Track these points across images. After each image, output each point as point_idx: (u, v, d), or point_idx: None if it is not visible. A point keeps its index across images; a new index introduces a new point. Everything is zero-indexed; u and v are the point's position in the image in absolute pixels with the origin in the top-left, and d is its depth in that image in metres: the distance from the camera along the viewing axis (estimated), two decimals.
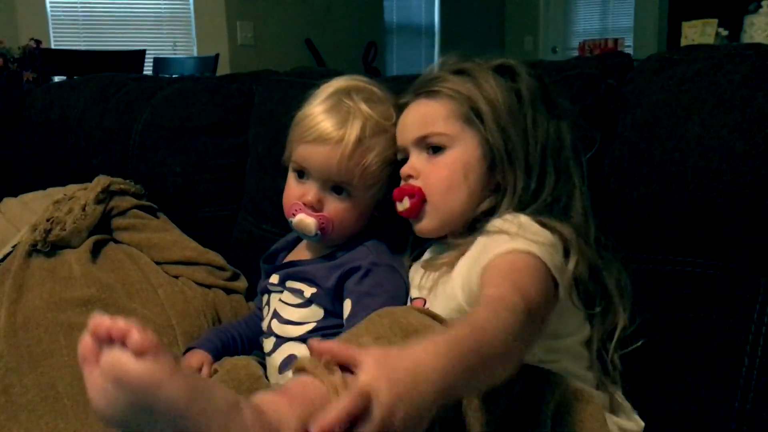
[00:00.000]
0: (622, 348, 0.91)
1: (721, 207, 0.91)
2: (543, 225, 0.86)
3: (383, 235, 1.06)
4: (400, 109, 1.02)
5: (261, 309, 1.13)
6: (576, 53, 4.89)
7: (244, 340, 1.14)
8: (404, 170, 0.96)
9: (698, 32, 3.35)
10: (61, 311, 1.12)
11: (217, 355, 1.07)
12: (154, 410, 0.49)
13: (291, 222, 1.02)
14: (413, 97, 0.99)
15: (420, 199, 0.93)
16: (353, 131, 0.98)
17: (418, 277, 0.99)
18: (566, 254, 0.85)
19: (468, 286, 0.84)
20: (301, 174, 1.03)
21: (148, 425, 0.51)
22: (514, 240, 0.82)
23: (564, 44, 5.95)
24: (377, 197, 1.04)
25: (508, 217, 0.88)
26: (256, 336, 1.11)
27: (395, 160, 1.02)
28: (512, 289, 0.71)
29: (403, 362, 0.54)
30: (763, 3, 3.14)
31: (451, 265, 0.91)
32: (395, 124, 1.02)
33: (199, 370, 1.03)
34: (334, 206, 1.01)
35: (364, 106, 1.00)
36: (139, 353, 0.49)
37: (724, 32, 3.28)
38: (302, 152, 1.01)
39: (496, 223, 0.87)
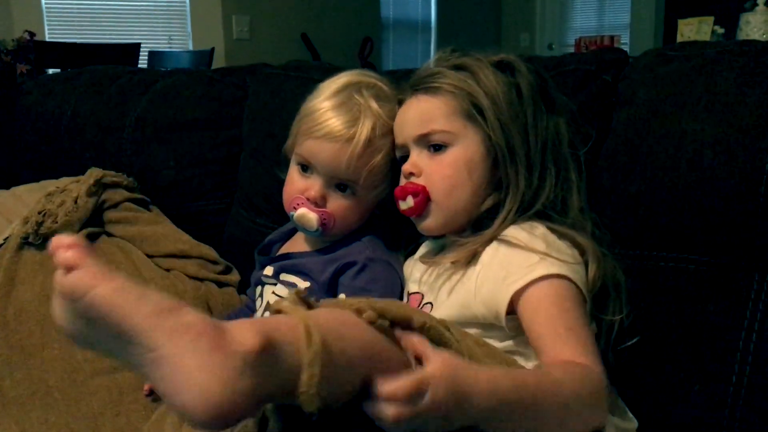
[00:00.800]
0: (615, 345, 0.91)
1: (714, 203, 0.91)
2: (561, 236, 0.86)
3: (379, 231, 1.06)
4: (399, 105, 1.01)
5: (254, 300, 1.12)
6: (572, 50, 4.89)
7: None
8: (406, 168, 0.95)
9: (694, 30, 3.35)
10: (52, 306, 1.11)
11: None
12: (91, 318, 0.52)
13: (292, 216, 1.01)
14: (411, 92, 0.98)
15: (424, 198, 0.92)
16: (364, 131, 0.97)
17: (417, 272, 0.98)
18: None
19: (494, 307, 0.83)
20: (306, 168, 1.02)
21: (96, 336, 0.54)
22: (545, 261, 0.82)
23: (560, 41, 5.95)
24: (380, 196, 1.03)
25: (525, 226, 0.88)
26: None
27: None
28: (584, 354, 0.76)
29: (466, 374, 0.61)
30: (759, 1, 3.14)
31: (460, 264, 0.90)
32: None
33: None
34: (338, 203, 1.00)
35: (374, 105, 0.99)
36: (69, 267, 0.53)
37: (720, 30, 3.28)
38: (309, 147, 1.00)
39: (516, 233, 0.86)
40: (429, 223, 0.94)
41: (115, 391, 1.04)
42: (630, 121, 1.01)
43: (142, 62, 3.64)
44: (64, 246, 0.54)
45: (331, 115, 0.98)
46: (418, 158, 0.94)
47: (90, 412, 1.02)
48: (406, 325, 0.66)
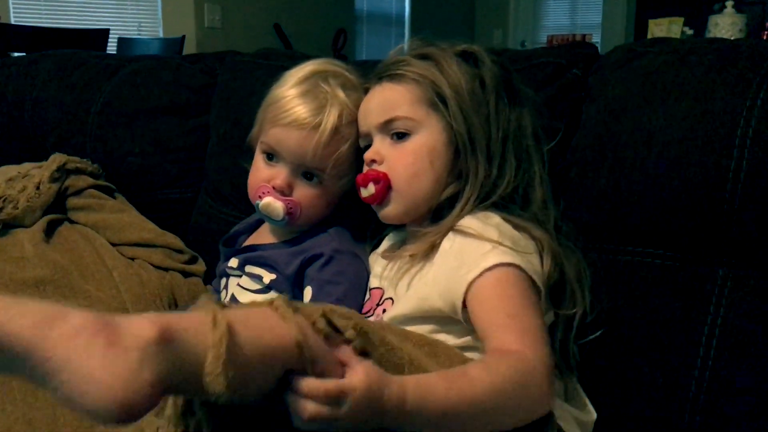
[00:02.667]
0: (579, 337, 0.91)
1: (681, 198, 0.92)
2: (516, 227, 0.86)
3: (346, 222, 1.05)
4: (365, 94, 1.00)
5: (218, 292, 1.11)
6: None
7: None
8: (368, 155, 0.94)
9: (664, 30, 3.40)
10: (12, 292, 1.09)
11: None
12: None
13: (257, 205, 1.00)
14: (376, 80, 0.97)
15: (385, 186, 0.92)
16: (330, 119, 0.96)
17: (378, 266, 0.98)
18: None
19: (450, 299, 0.82)
20: (271, 156, 1.01)
21: None
22: (497, 250, 0.81)
23: (533, 39, 5.99)
24: (347, 186, 1.02)
25: (480, 215, 0.87)
26: None
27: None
28: (524, 341, 0.75)
29: (383, 387, 0.63)
30: (727, 3, 3.19)
31: (418, 257, 0.89)
32: None
33: None
34: (304, 192, 1.00)
35: (341, 93, 0.98)
36: None
37: (690, 31, 3.33)
38: (275, 135, 0.99)
39: (470, 223, 0.86)
40: (389, 211, 0.94)
41: None
42: (599, 116, 1.02)
43: (111, 49, 3.58)
44: None
45: (297, 102, 0.97)
46: (380, 146, 0.94)
47: (48, 402, 1.00)
48: (339, 332, 0.65)
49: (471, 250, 0.83)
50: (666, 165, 0.93)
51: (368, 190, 0.93)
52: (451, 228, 0.88)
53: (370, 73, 1.01)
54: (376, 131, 0.95)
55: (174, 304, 1.20)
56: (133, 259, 1.23)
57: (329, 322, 0.64)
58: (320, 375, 0.60)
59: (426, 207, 0.93)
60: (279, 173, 0.99)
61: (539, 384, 0.73)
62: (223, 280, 1.09)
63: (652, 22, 3.50)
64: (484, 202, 0.90)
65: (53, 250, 1.15)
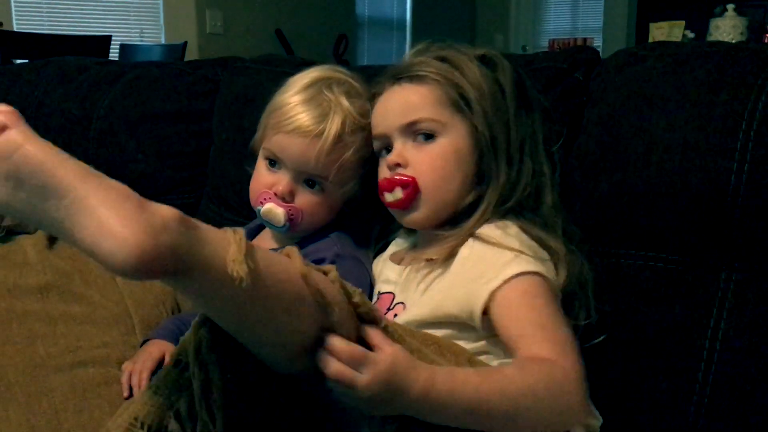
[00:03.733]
0: (582, 342, 0.91)
1: (683, 201, 0.92)
2: (532, 237, 0.86)
3: (347, 227, 1.05)
4: (373, 99, 0.99)
5: None
6: None
7: None
8: (392, 159, 0.92)
9: (665, 34, 3.39)
10: (15, 298, 1.09)
11: (176, 344, 1.05)
12: (20, 173, 0.55)
13: (258, 210, 1.00)
14: (391, 82, 0.96)
15: (414, 190, 0.90)
16: (333, 126, 0.96)
17: (388, 271, 0.97)
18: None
19: (468, 307, 0.82)
20: (273, 163, 1.01)
21: (20, 197, 0.56)
22: (519, 259, 0.81)
23: (534, 43, 5.98)
24: (349, 194, 1.02)
25: (499, 224, 0.87)
26: None
27: (370, 158, 1.00)
28: (555, 350, 0.76)
29: (407, 372, 0.66)
30: (728, 6, 3.19)
31: (437, 262, 0.88)
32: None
33: (161, 360, 1.01)
34: (306, 199, 0.99)
35: (344, 101, 0.98)
36: (1, 129, 0.56)
37: (691, 34, 3.33)
38: (278, 142, 0.99)
39: (491, 232, 0.86)
40: (416, 216, 0.92)
41: (78, 386, 1.02)
42: (601, 120, 1.02)
43: (113, 55, 3.59)
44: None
45: (300, 109, 0.97)
46: (403, 148, 0.92)
47: (51, 408, 1.00)
48: (371, 321, 0.69)
49: (492, 259, 0.83)
50: (668, 168, 0.93)
51: (394, 195, 0.91)
52: (471, 234, 0.87)
53: (376, 78, 1.00)
54: (397, 133, 0.93)
55: (177, 309, 1.20)
56: None
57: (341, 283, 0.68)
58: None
59: (450, 212, 0.92)
60: (281, 180, 0.99)
61: (573, 392, 0.73)
62: None
63: (653, 26, 3.50)
64: (501, 206, 0.89)
65: (56, 256, 1.15)
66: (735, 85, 0.91)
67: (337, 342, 0.64)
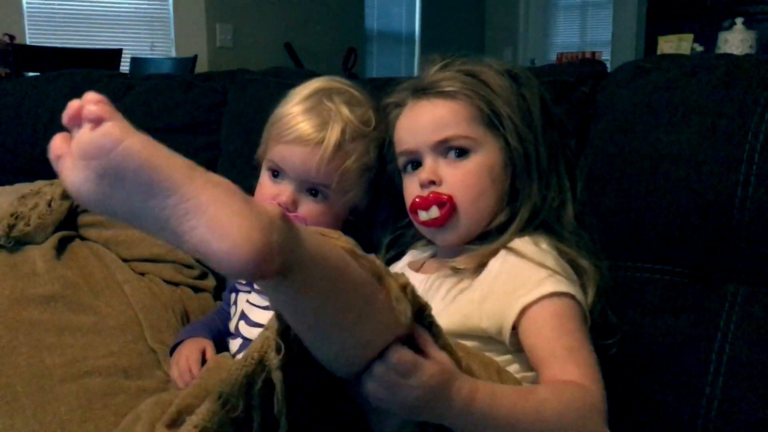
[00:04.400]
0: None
1: (689, 215, 0.91)
2: (561, 253, 0.86)
3: (354, 236, 1.05)
4: (385, 110, 0.99)
5: (229, 305, 1.11)
6: None
7: (223, 334, 1.09)
8: (426, 176, 0.91)
9: (674, 47, 3.40)
10: (22, 308, 1.09)
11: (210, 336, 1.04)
12: (120, 171, 0.50)
13: None
14: (416, 96, 0.95)
15: (451, 209, 0.89)
16: (333, 135, 0.97)
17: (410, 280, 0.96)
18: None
19: (499, 321, 0.82)
20: (276, 174, 1.02)
21: (120, 196, 0.51)
22: (554, 278, 0.81)
23: (543, 56, 5.99)
24: (352, 202, 1.03)
25: (532, 239, 0.87)
26: (224, 335, 1.09)
27: (372, 166, 1.00)
28: (583, 374, 0.75)
29: (453, 384, 0.64)
30: (737, 20, 3.19)
31: (467, 272, 0.88)
32: (375, 129, 1.00)
33: (203, 355, 1.00)
34: (309, 208, 1.00)
35: (344, 110, 0.99)
36: (96, 121, 0.51)
37: (699, 48, 3.33)
38: (279, 152, 1.00)
39: (525, 247, 0.86)
40: (450, 235, 0.91)
41: (83, 397, 1.02)
42: (607, 133, 1.02)
43: (124, 68, 3.62)
44: (92, 101, 0.52)
45: (301, 119, 0.98)
46: (436, 165, 0.91)
47: (57, 419, 1.00)
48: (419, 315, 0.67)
49: (526, 275, 0.83)
50: (674, 181, 0.92)
51: (430, 214, 0.90)
52: (503, 247, 0.87)
53: (389, 89, 1.00)
54: (428, 150, 0.92)
55: (186, 317, 1.20)
56: (143, 274, 1.24)
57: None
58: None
59: (483, 228, 0.91)
60: (284, 190, 1.00)
61: (599, 418, 0.74)
62: (233, 296, 1.09)
63: (661, 39, 3.51)
64: (532, 221, 0.90)
65: (64, 266, 1.16)
66: (741, 98, 0.91)
67: (394, 349, 0.61)
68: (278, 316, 0.62)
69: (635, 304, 0.96)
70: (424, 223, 0.92)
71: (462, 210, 0.89)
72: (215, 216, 0.49)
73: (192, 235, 0.49)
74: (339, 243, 0.63)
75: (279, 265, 0.51)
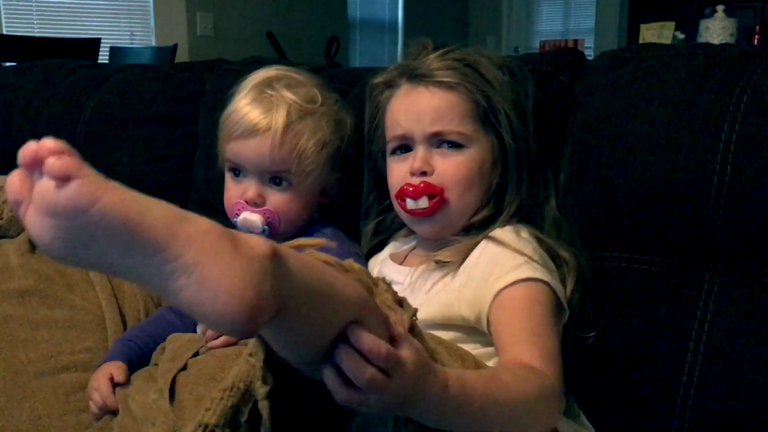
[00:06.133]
0: (574, 343, 0.91)
1: (666, 204, 0.92)
2: (541, 243, 0.87)
3: (334, 222, 1.06)
4: (372, 91, 0.99)
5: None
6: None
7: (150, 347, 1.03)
8: (418, 166, 0.91)
9: (656, 35, 3.40)
10: None
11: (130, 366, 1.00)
12: (95, 232, 0.45)
13: (236, 222, 1.01)
14: (413, 82, 0.94)
15: (441, 201, 0.89)
16: (279, 117, 0.97)
17: (390, 271, 0.97)
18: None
19: (477, 307, 0.83)
20: (237, 172, 1.02)
21: (96, 253, 0.47)
22: (529, 265, 0.82)
23: (526, 44, 6.00)
24: (319, 183, 1.03)
25: (513, 228, 0.88)
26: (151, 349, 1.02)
27: (328, 141, 1.00)
28: (542, 360, 0.76)
29: (429, 370, 0.61)
30: (718, 8, 3.20)
31: (453, 263, 0.88)
32: (323, 105, 1.01)
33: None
34: (276, 198, 1.00)
35: (286, 93, 0.99)
36: (62, 179, 0.44)
37: (681, 35, 3.34)
38: (233, 149, 1.01)
39: (505, 235, 0.86)
40: (435, 227, 0.92)
41: (60, 391, 1.01)
42: (585, 123, 1.01)
43: (103, 58, 3.58)
44: (54, 152, 0.44)
45: (245, 111, 0.99)
46: (427, 155, 0.91)
47: (34, 414, 1.00)
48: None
49: (503, 261, 0.83)
50: (651, 170, 0.92)
51: (419, 204, 0.90)
52: (484, 236, 0.88)
53: (364, 78, 1.00)
54: (421, 138, 0.91)
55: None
56: None
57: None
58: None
59: (466, 222, 0.92)
60: (248, 186, 1.01)
61: (555, 402, 0.75)
62: None
63: (644, 27, 3.51)
64: (516, 214, 0.91)
65: (38, 260, 1.14)
66: (717, 87, 0.91)
67: (370, 338, 0.55)
68: (261, 341, 0.59)
69: (613, 294, 0.97)
70: (411, 212, 0.91)
71: (449, 201, 0.90)
72: (204, 276, 0.46)
73: (181, 296, 0.46)
74: (321, 258, 0.61)
75: (272, 312, 0.48)
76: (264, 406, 0.60)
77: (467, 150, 0.90)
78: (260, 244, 0.49)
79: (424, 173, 0.90)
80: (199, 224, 0.47)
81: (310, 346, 0.56)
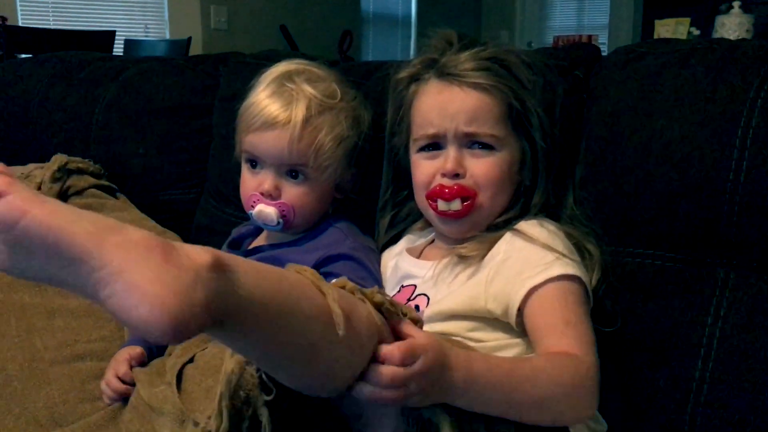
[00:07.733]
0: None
1: (681, 199, 0.91)
2: (569, 236, 0.88)
3: (347, 215, 1.06)
4: (396, 86, 0.99)
5: None
6: None
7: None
8: (451, 167, 0.90)
9: (671, 31, 3.39)
10: (13, 292, 1.09)
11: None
12: (30, 244, 0.49)
13: (251, 215, 1.01)
14: (444, 80, 0.92)
15: (474, 204, 0.89)
16: (299, 111, 0.97)
17: (408, 265, 0.97)
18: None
19: (505, 302, 0.83)
20: (254, 164, 1.02)
21: (36, 266, 0.50)
22: (561, 261, 0.83)
23: (540, 39, 5.97)
24: (335, 178, 1.03)
25: (539, 222, 0.88)
26: None
27: (346, 136, 1.01)
28: (578, 345, 0.77)
29: (448, 349, 0.66)
30: (734, 3, 3.17)
31: (476, 257, 0.89)
32: (342, 100, 1.01)
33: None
34: (292, 191, 1.00)
35: (306, 87, 0.99)
36: None
37: (696, 31, 3.32)
38: (251, 140, 1.00)
39: (533, 230, 0.87)
40: (464, 227, 0.92)
41: (76, 379, 1.02)
42: (600, 117, 1.01)
43: (118, 50, 3.60)
44: None
45: (265, 104, 0.99)
46: (459, 156, 0.90)
47: (51, 401, 1.01)
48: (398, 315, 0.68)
49: (535, 258, 0.84)
50: (666, 165, 0.92)
51: (451, 206, 0.90)
52: (509, 229, 0.89)
53: (378, 72, 1.00)
54: (453, 138, 0.90)
55: None
56: None
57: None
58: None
59: (491, 222, 0.93)
60: (264, 178, 1.00)
61: (592, 386, 0.75)
62: None
63: (658, 23, 3.49)
64: (540, 212, 0.92)
65: None
66: (734, 82, 0.91)
67: (383, 348, 0.62)
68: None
69: (628, 288, 0.96)
70: (443, 214, 0.91)
71: (480, 203, 0.90)
72: (129, 283, 0.47)
73: (110, 303, 0.48)
74: (307, 275, 0.63)
75: (204, 321, 0.49)
76: (264, 414, 0.62)
77: (498, 152, 0.90)
78: (200, 255, 0.51)
79: (456, 175, 0.90)
80: (130, 234, 0.50)
81: (297, 361, 0.59)
